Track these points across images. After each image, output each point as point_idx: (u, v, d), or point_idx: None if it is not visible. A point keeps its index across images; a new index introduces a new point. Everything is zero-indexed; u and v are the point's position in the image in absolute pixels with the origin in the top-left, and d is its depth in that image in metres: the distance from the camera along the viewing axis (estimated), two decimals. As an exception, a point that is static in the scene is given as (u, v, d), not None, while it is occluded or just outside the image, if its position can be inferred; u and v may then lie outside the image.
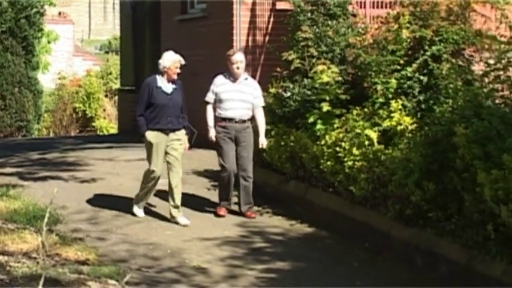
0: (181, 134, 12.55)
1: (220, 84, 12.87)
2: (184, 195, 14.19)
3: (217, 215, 12.85)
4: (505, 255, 9.74)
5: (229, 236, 12.01)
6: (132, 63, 23.87)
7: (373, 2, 16.37)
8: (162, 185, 12.80)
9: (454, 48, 13.67)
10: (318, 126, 13.16)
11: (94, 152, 18.77)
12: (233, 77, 12.82)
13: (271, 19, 16.98)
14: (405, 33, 13.55)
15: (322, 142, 12.86)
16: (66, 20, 45.72)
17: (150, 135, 12.35)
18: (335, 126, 13.18)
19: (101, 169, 16.51)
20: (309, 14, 15.15)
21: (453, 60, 13.52)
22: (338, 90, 13.63)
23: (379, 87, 13.22)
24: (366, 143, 12.41)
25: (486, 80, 12.32)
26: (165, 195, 13.28)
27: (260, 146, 13.01)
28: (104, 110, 34.43)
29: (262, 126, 12.94)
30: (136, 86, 23.37)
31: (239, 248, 11.47)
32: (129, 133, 23.21)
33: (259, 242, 11.72)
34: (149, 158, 12.51)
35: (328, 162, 12.69)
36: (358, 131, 12.52)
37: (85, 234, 11.78)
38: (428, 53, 13.43)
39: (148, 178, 12.49)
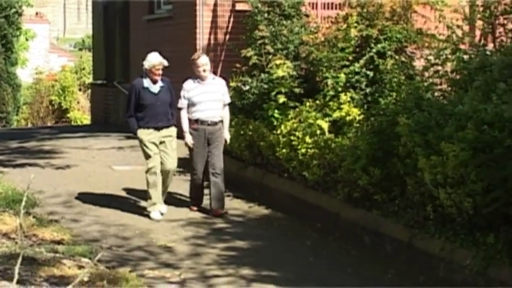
0: (173, 131, 11.95)
1: (190, 89, 12.19)
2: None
3: (192, 210, 12.35)
4: (443, 233, 9.81)
5: (193, 217, 12.01)
6: (104, 59, 23.78)
7: (324, 4, 16.39)
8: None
9: (397, 46, 13.75)
10: (275, 115, 13.19)
11: (69, 141, 18.68)
12: (201, 80, 12.19)
13: (231, 19, 16.94)
14: (353, 32, 13.61)
15: (278, 131, 12.88)
16: (42, 20, 45.37)
17: (143, 134, 11.76)
18: (290, 117, 13.20)
19: (75, 157, 16.45)
20: (266, 15, 15.14)
21: (396, 57, 13.61)
22: (292, 83, 13.65)
23: (329, 81, 13.26)
24: (318, 132, 12.44)
25: (426, 74, 12.42)
26: (134, 180, 13.29)
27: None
28: (78, 102, 34.33)
29: (226, 122, 12.46)
30: (107, 80, 23.38)
31: (202, 228, 11.47)
32: (101, 124, 23.18)
33: (221, 223, 11.72)
34: (145, 156, 11.88)
35: (284, 150, 12.70)
36: (310, 121, 12.55)
37: (60, 216, 11.74)
38: (374, 50, 13.51)
39: (151, 176, 11.76)
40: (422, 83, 11.89)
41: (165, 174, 11.82)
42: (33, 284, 7.75)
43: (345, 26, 13.79)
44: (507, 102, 9.33)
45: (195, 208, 12.35)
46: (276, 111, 13.29)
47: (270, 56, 14.38)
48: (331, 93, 13.19)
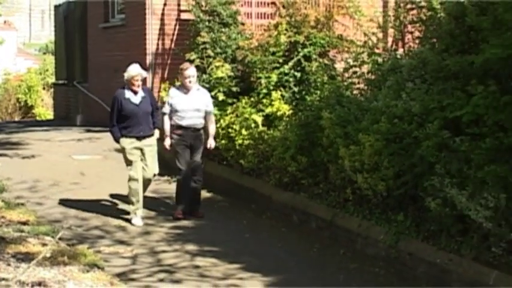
0: (154, 139, 10.96)
1: (174, 96, 11.17)
2: (108, 168, 14.13)
3: (175, 218, 10.95)
4: (360, 212, 9.89)
5: (144, 200, 11.92)
6: (65, 62, 23.55)
7: (258, 13, 16.38)
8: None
9: (321, 50, 13.82)
10: (215, 112, 13.15)
11: (34, 134, 18.45)
12: (186, 89, 11.15)
13: (177, 27, 16.86)
14: (283, 38, 13.63)
15: (218, 125, 12.83)
16: (10, 27, 44.83)
17: (125, 142, 10.75)
18: (228, 112, 13.19)
19: (39, 148, 16.24)
20: (207, 23, 15.08)
21: (320, 60, 13.68)
22: (230, 83, 13.64)
23: (262, 81, 13.28)
24: (253, 125, 12.44)
25: (346, 75, 12.47)
26: (91, 168, 13.17)
27: (208, 147, 11.36)
28: (42, 100, 34.02)
29: (212, 130, 11.39)
30: (68, 80, 23.16)
31: (151, 210, 11.40)
32: (63, 119, 22.95)
33: (168, 206, 11.66)
34: (127, 163, 10.83)
35: (223, 141, 12.68)
36: (246, 116, 12.55)
37: (26, 200, 11.59)
38: (301, 54, 13.57)
39: (132, 183, 10.75)
40: (342, 83, 11.95)
41: (144, 181, 10.88)
42: (1, 260, 7.65)
43: (275, 33, 13.80)
44: (415, 99, 9.42)
45: (180, 215, 11.00)
46: (216, 108, 13.24)
47: (211, 59, 14.34)
48: (264, 91, 13.21)
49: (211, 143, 11.36)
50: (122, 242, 9.71)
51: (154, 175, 11.16)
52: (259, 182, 12.05)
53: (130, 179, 10.77)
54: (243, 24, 15.56)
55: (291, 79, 13.39)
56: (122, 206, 11.51)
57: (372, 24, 13.04)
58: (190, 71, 11.19)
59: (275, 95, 12.90)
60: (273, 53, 13.56)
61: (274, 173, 11.68)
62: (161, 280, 8.34)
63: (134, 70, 10.88)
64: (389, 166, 9.34)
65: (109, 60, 19.32)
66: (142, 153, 10.82)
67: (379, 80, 11.06)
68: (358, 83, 12.05)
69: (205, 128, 11.34)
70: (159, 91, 16.39)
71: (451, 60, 9.19)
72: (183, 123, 11.06)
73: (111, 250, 9.33)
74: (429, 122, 8.96)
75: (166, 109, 11.21)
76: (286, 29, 13.78)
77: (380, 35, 13.03)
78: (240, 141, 12.32)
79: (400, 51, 12.20)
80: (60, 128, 19.71)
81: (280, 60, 13.52)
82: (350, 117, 10.37)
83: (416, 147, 8.98)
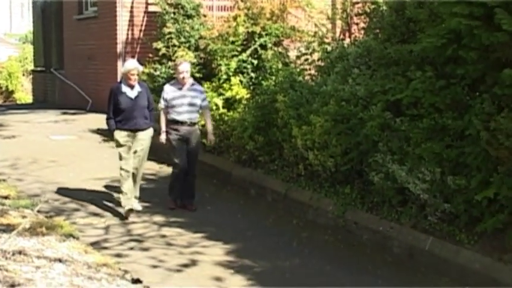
0: (148, 133, 10.01)
1: (170, 91, 10.25)
2: (83, 147, 14.01)
3: (170, 208, 10.16)
4: (311, 186, 9.92)
5: (115, 176, 11.76)
6: (42, 50, 23.39)
7: (218, 6, 16.37)
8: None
9: (275, 40, 13.82)
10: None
11: (14, 116, 18.26)
12: (181, 84, 10.25)
13: (145, 18, 16.77)
14: (241, 29, 13.62)
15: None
16: (-8, 19, 44.13)
17: (119, 135, 9.83)
18: (191, 96, 13.13)
19: (19, 129, 16.07)
20: (172, 15, 15.05)
21: (275, 48, 13.67)
22: (193, 69, 13.53)
23: (223, 67, 13.26)
24: (214, 107, 12.40)
25: (298, 62, 12.48)
26: (67, 147, 13.02)
27: (209, 143, 10.82)
28: (22, 85, 33.66)
29: (210, 125, 10.56)
30: (46, 67, 22.93)
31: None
32: (41, 102, 22.73)
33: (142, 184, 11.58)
34: (119, 155, 9.92)
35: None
36: (208, 99, 12.48)
37: (7, 176, 11.43)
38: (257, 43, 13.56)
39: (122, 174, 9.86)
40: (295, 69, 11.94)
41: (135, 173, 9.98)
42: (-16, 231, 7.55)
43: (234, 24, 13.78)
44: (360, 83, 9.45)
45: (173, 204, 10.28)
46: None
47: (176, 48, 14.32)
48: (224, 77, 13.20)
49: (211, 139, 10.59)
50: (95, 214, 9.63)
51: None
52: (220, 159, 12.02)
53: (121, 170, 9.90)
54: (205, 16, 15.56)
55: (248, 66, 13.38)
56: (95, 181, 11.41)
57: (321, 16, 13.07)
58: (184, 67, 10.30)
59: (234, 80, 12.88)
60: (232, 42, 13.54)
61: (233, 151, 11.66)
62: (131, 248, 8.30)
63: (131, 64, 10.04)
64: (337, 144, 9.37)
65: (83, 49, 19.19)
66: (135, 146, 9.89)
67: (328, 66, 11.07)
68: (309, 69, 12.06)
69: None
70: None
71: (392, 48, 9.23)
72: (179, 118, 10.20)
73: (85, 221, 9.26)
74: (373, 104, 9.01)
75: (162, 104, 10.35)
76: (244, 21, 13.76)
77: (329, 26, 13.07)
78: (202, 123, 12.22)
79: (347, 40, 12.25)
80: (38, 110, 19.52)
81: (239, 49, 13.50)
82: (302, 100, 10.37)
83: (361, 127, 9.02)
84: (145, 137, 9.98)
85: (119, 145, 9.92)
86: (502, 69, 7.08)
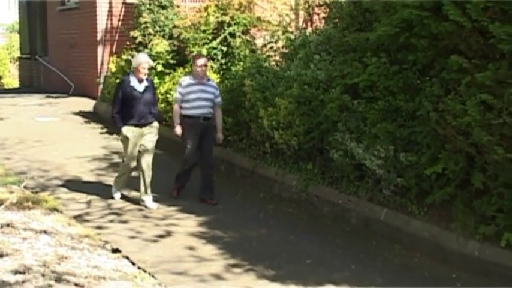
0: (154, 126, 9.22)
1: (186, 85, 9.45)
2: (66, 129, 13.90)
3: (172, 196, 9.59)
4: (277, 163, 9.94)
5: (97, 155, 11.76)
6: (28, 39, 23.19)
7: (191, -2, 16.35)
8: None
9: (243, 29, 13.75)
10: (155, 80, 12.99)
11: (2, 100, 18.01)
12: (197, 79, 9.45)
13: (123, 9, 16.62)
14: (212, 19, 13.53)
15: (158, 91, 12.66)
16: (-21, 9, 43.40)
17: (126, 131, 9.01)
18: (166, 80, 13.05)
19: (6, 111, 15.87)
20: (148, 6, 14.96)
21: (243, 37, 13.60)
22: (168, 56, 13.55)
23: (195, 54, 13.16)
24: (187, 91, 12.32)
25: (264, 49, 12.47)
26: (51, 128, 12.89)
27: (217, 141, 9.75)
28: (9, 71, 33.23)
29: (220, 124, 9.70)
30: (31, 55, 22.69)
31: (103, 163, 11.25)
32: (27, 87, 22.51)
33: (116, 159, 11.47)
34: (125, 151, 9.19)
35: (162, 105, 12.50)
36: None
37: (-5, 155, 11.36)
38: (227, 32, 13.48)
39: (125, 168, 9.34)
40: (261, 56, 11.91)
41: (144, 166, 9.21)
42: (-26, 206, 7.47)
43: (205, 14, 13.70)
44: (321, 68, 9.46)
45: (175, 193, 9.69)
46: (156, 77, 13.12)
47: (151, 36, 14.25)
48: (196, 63, 13.11)
49: (220, 137, 9.71)
50: (78, 190, 9.55)
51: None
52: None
53: (124, 163, 9.35)
54: (178, 6, 15.50)
55: (218, 53, 13.30)
56: (78, 160, 11.33)
57: (285, 7, 13.04)
58: (202, 61, 9.57)
59: (206, 66, 12.80)
60: (204, 31, 13.46)
61: (205, 131, 11.60)
62: (111, 221, 8.27)
63: (143, 58, 9.19)
64: (300, 124, 9.38)
65: (65, 38, 19.01)
66: (143, 140, 9.14)
67: (292, 53, 11.06)
68: (275, 56, 12.05)
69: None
70: (108, 63, 16.18)
71: (350, 36, 9.24)
72: (194, 112, 9.41)
73: (68, 196, 9.21)
74: (332, 87, 9.02)
75: (177, 98, 9.56)
76: (214, 11, 13.67)
77: (292, 16, 13.05)
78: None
79: (309, 29, 12.22)
80: (24, 95, 19.29)
81: (210, 37, 13.43)
82: (268, 84, 10.36)
83: (322, 109, 9.03)
84: (152, 129, 9.22)
85: (126, 141, 9.10)
86: (449, 55, 7.12)
